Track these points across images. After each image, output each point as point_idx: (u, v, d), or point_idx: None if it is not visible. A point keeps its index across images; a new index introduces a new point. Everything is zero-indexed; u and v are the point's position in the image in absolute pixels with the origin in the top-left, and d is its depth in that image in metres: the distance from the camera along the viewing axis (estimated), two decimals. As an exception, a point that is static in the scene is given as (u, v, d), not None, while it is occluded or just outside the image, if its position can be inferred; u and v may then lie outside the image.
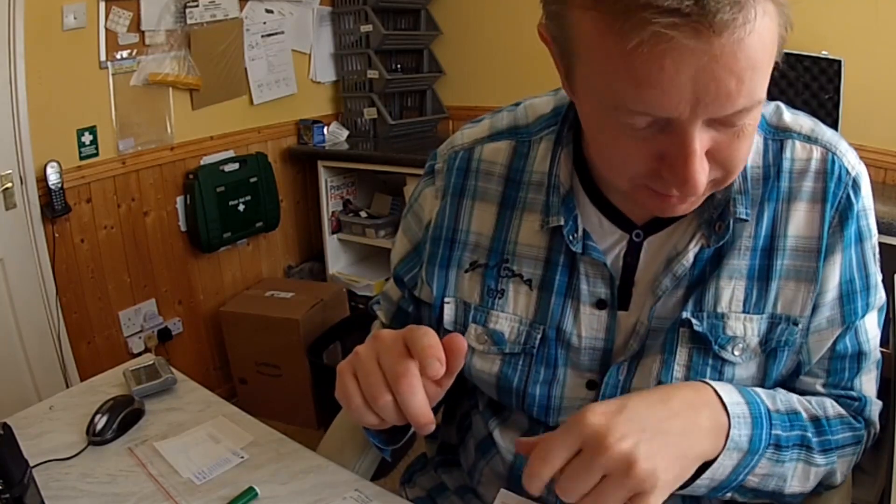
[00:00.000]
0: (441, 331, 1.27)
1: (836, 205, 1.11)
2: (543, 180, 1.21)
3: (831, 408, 1.17)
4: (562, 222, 1.16)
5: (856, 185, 1.12)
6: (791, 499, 1.13)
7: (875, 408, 1.21)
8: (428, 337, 0.96)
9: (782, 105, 1.18)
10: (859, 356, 1.18)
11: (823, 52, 3.15)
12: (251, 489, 1.28)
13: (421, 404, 0.95)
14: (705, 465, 0.98)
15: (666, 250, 1.15)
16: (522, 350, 1.22)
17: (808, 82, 3.19)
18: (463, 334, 1.22)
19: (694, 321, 1.11)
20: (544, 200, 1.20)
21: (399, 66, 4.60)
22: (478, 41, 4.44)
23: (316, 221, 4.53)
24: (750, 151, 0.99)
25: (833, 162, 1.11)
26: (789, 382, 1.19)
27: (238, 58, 3.86)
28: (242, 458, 1.40)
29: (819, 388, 1.19)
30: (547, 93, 1.29)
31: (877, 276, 1.17)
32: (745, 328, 1.12)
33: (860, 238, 1.13)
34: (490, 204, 1.25)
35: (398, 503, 1.27)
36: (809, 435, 1.10)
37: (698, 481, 0.99)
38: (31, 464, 1.22)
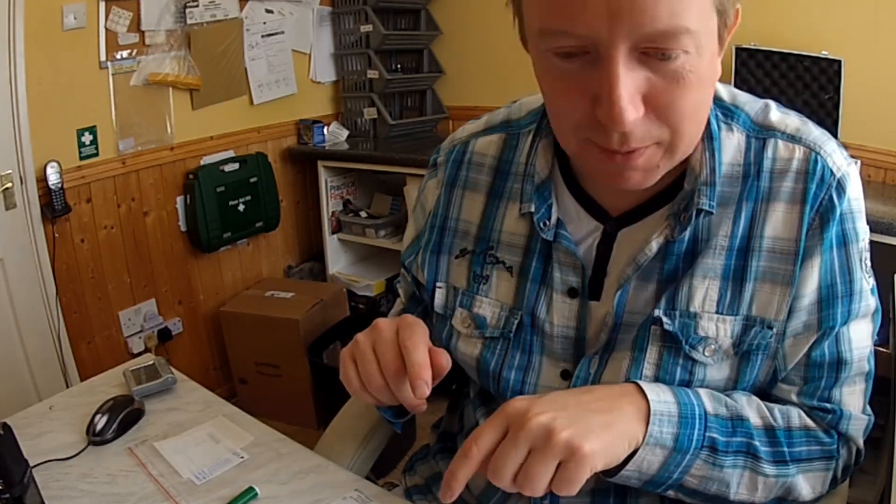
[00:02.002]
0: (433, 314, 1.33)
1: (816, 206, 1.08)
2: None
3: (797, 419, 1.14)
4: (533, 209, 1.18)
5: (840, 187, 1.08)
6: None
7: (856, 423, 1.17)
8: (418, 352, 1.08)
9: (772, 103, 1.16)
10: (838, 365, 1.13)
11: (823, 52, 3.16)
12: (251, 489, 1.28)
13: (409, 392, 1.09)
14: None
15: (638, 243, 1.15)
16: (501, 334, 1.24)
17: (808, 82, 3.19)
18: (451, 317, 1.28)
19: (665, 319, 1.11)
20: (522, 188, 1.23)
21: (399, 66, 4.60)
22: (478, 41, 4.44)
23: (316, 221, 4.53)
24: (699, 112, 0.98)
25: (816, 162, 1.09)
26: (768, 389, 1.18)
27: (238, 58, 3.86)
28: (242, 458, 1.40)
29: (793, 398, 1.16)
30: None
31: (863, 282, 1.13)
32: (718, 329, 1.10)
33: (844, 242, 1.10)
34: (479, 193, 1.29)
35: (396, 503, 1.27)
36: (757, 443, 1.08)
37: (626, 471, 1.02)
38: (31, 464, 1.22)
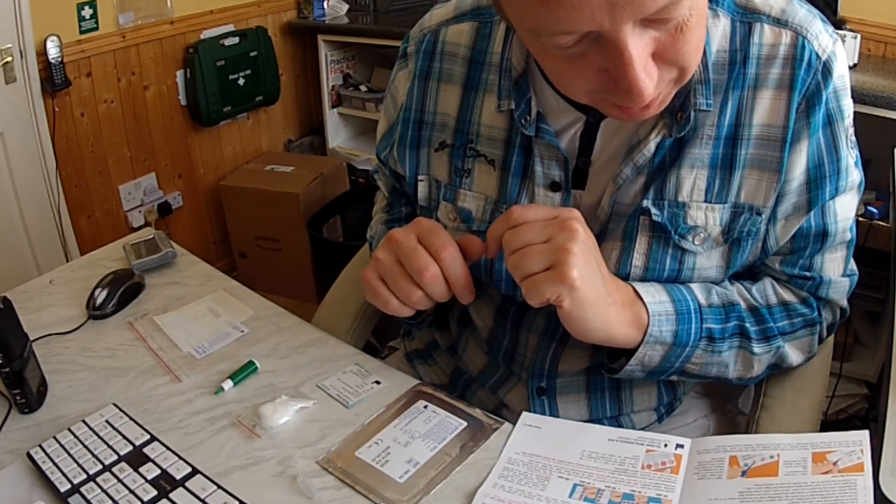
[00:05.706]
0: (417, 207, 1.33)
1: (804, 91, 1.07)
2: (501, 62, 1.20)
3: (773, 296, 1.21)
4: (513, 106, 1.15)
5: (826, 70, 1.07)
6: (738, 382, 1.23)
7: (836, 287, 1.22)
8: (456, 265, 1.07)
9: None
10: (823, 235, 1.16)
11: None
12: (251, 363, 1.29)
13: (447, 291, 1.08)
14: (630, 353, 1.11)
15: (624, 134, 1.13)
16: (488, 227, 1.21)
17: (808, -48, 3.12)
18: (435, 210, 1.28)
19: (653, 210, 1.11)
20: (499, 83, 1.19)
21: (400, -65, 4.48)
22: None
23: (316, 95, 4.48)
24: (702, 41, 0.94)
25: (803, 47, 1.06)
26: (752, 265, 1.21)
27: (236, -72, 3.76)
28: (242, 332, 1.41)
29: (776, 266, 1.20)
30: None
31: (849, 158, 1.13)
32: (707, 217, 1.11)
33: (829, 121, 1.10)
34: (455, 85, 1.26)
35: (397, 376, 1.29)
36: (748, 325, 1.16)
37: (629, 367, 1.12)
38: (31, 338, 1.23)
